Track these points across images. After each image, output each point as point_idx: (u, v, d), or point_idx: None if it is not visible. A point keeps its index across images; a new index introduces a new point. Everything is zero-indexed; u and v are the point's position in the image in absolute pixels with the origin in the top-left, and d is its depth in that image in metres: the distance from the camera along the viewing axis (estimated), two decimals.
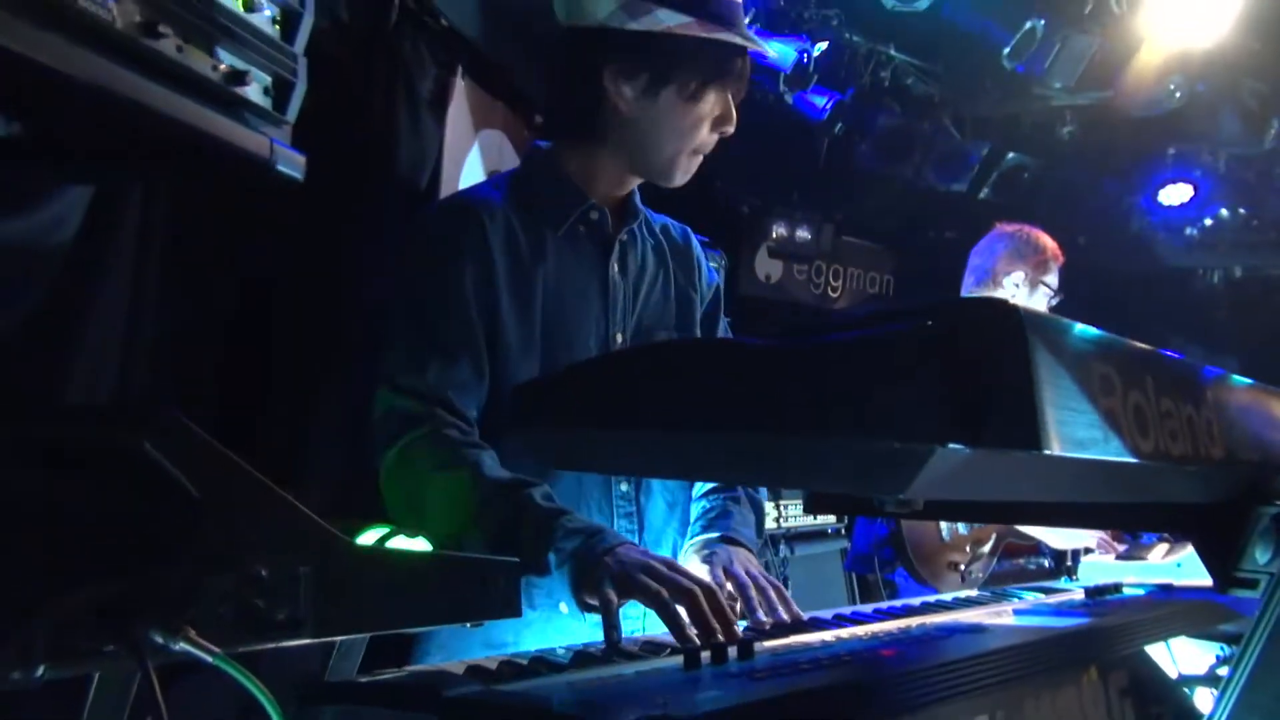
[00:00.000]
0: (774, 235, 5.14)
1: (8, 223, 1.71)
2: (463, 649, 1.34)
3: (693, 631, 1.01)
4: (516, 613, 0.92)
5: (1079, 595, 1.29)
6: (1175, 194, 5.71)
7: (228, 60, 1.40)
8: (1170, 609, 1.07)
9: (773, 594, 1.30)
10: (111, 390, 2.14)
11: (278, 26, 1.50)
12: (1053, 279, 3.52)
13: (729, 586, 1.30)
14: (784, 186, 5.40)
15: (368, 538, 0.96)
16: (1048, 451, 0.44)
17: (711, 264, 3.54)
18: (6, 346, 1.74)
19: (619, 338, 1.60)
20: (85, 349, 2.01)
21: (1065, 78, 3.86)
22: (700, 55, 1.53)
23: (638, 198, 1.74)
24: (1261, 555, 0.81)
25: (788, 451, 0.54)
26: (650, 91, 1.56)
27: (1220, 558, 0.83)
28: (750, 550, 1.48)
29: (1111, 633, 0.93)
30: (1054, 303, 3.54)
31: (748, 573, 1.35)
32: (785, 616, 1.24)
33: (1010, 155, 4.96)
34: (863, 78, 4.62)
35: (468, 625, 0.98)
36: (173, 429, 0.79)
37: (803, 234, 5.27)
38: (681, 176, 1.66)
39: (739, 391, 0.53)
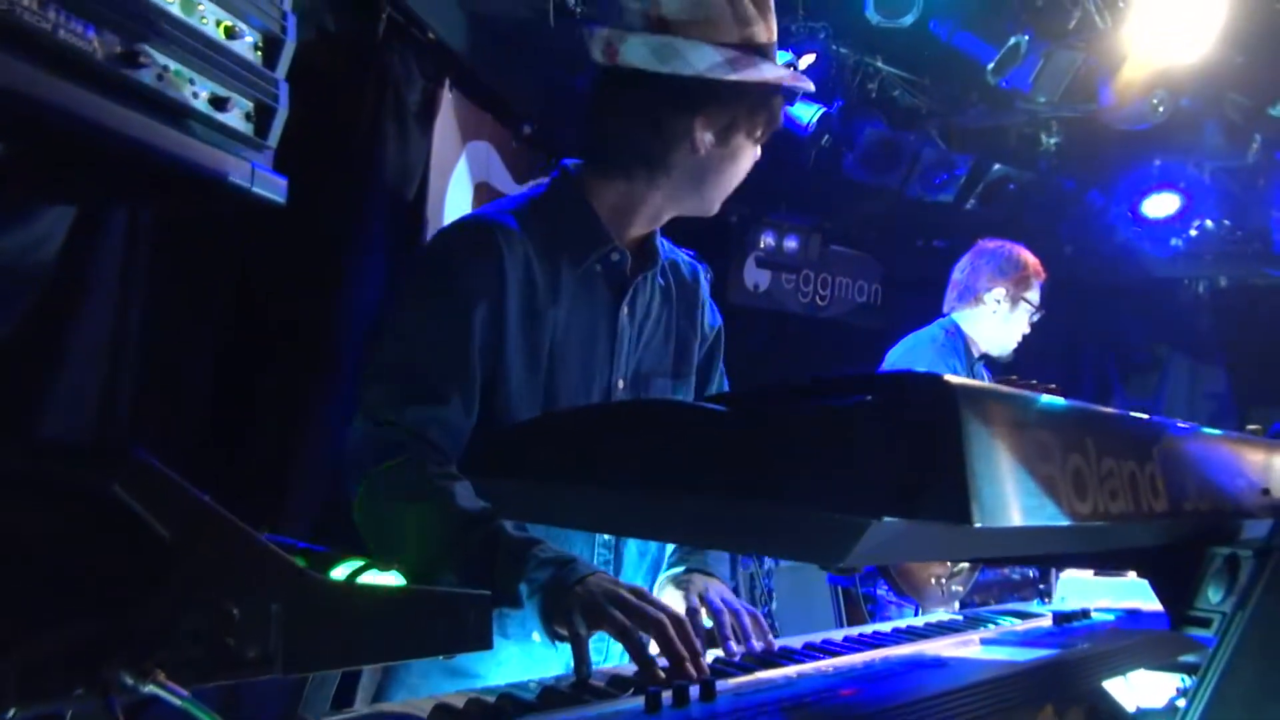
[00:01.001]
0: (761, 245, 5.17)
1: None
2: (436, 677, 1.35)
3: (662, 662, 1.02)
4: (487, 645, 0.93)
5: (1047, 622, 1.31)
6: (1161, 205, 5.75)
7: (209, 87, 1.40)
8: (1133, 640, 1.09)
9: (747, 621, 1.30)
10: (96, 406, 2.15)
11: (259, 52, 1.51)
12: (1034, 295, 3.54)
13: (704, 613, 1.30)
14: (772, 197, 5.43)
15: (340, 572, 0.97)
16: (979, 525, 0.45)
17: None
18: None
19: (620, 384, 1.58)
20: (69, 365, 2.02)
21: (1049, 92, 3.90)
22: (771, 100, 1.57)
23: (659, 238, 1.71)
24: (1214, 595, 0.83)
25: (726, 517, 0.56)
26: (725, 135, 1.56)
27: (1175, 598, 0.85)
28: (724, 583, 1.48)
29: (1071, 668, 0.95)
30: (1035, 318, 3.55)
31: (722, 599, 1.35)
32: (758, 645, 1.24)
33: (996, 167, 4.99)
34: (850, 89, 4.65)
35: (440, 658, 0.99)
36: (141, 471, 0.80)
37: (790, 244, 5.29)
38: (711, 211, 1.69)
39: (682, 455, 0.55)
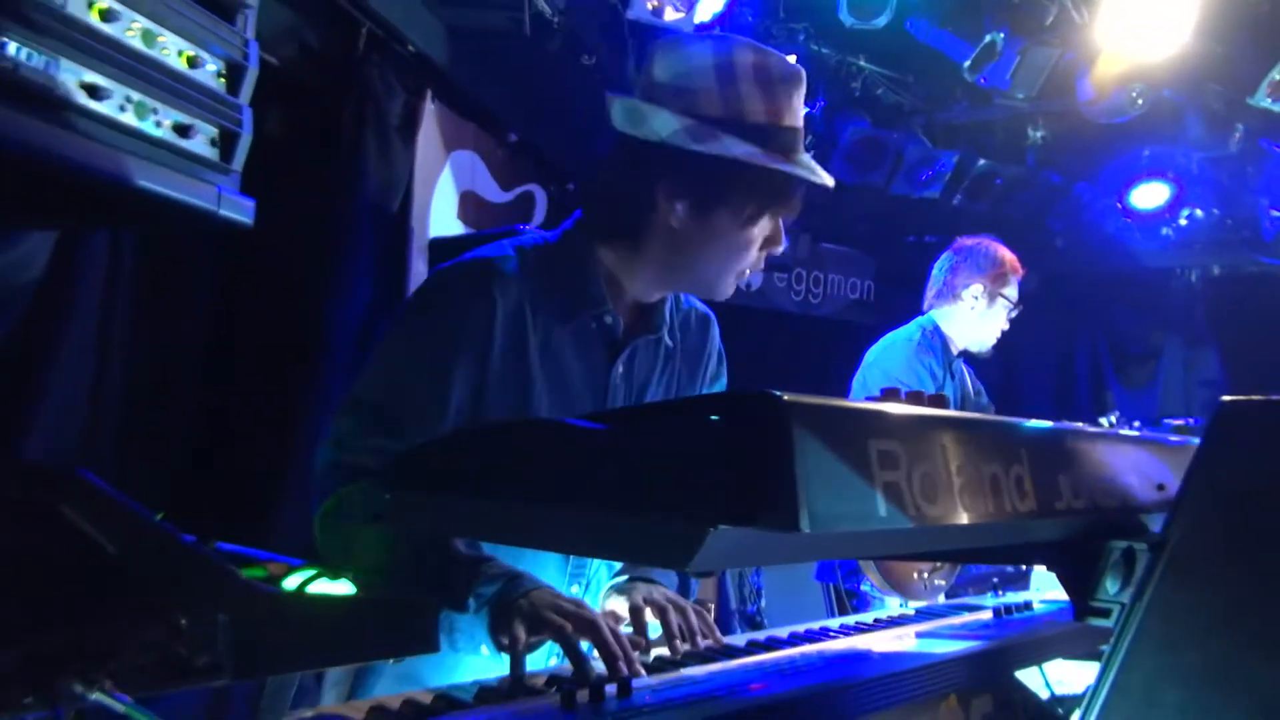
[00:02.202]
0: None
1: None
2: (406, 680, 1.40)
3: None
4: (434, 649, 0.98)
5: (987, 615, 1.35)
6: (1150, 195, 5.77)
7: (172, 116, 1.46)
8: (1057, 631, 1.13)
9: (693, 617, 1.34)
10: (83, 423, 2.20)
11: (223, 80, 1.56)
12: (1011, 291, 3.56)
13: (648, 612, 1.35)
14: None
15: (292, 581, 1.01)
16: (807, 531, 0.49)
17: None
18: None
19: None
20: (55, 383, 2.07)
21: (1027, 88, 3.93)
22: (760, 183, 1.47)
23: (667, 309, 1.66)
24: (1112, 586, 0.87)
25: (596, 526, 0.60)
26: (703, 211, 1.49)
27: (1078, 590, 0.89)
28: (664, 585, 1.51)
29: (986, 659, 0.99)
30: (1013, 314, 3.57)
31: (667, 599, 1.39)
32: (703, 640, 1.29)
33: (981, 162, 5.02)
34: (832, 90, 4.69)
35: (390, 662, 1.03)
36: (88, 492, 0.84)
37: None
38: (725, 293, 1.60)
39: (563, 469, 0.59)
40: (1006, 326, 3.59)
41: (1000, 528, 0.65)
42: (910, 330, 3.51)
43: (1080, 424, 0.82)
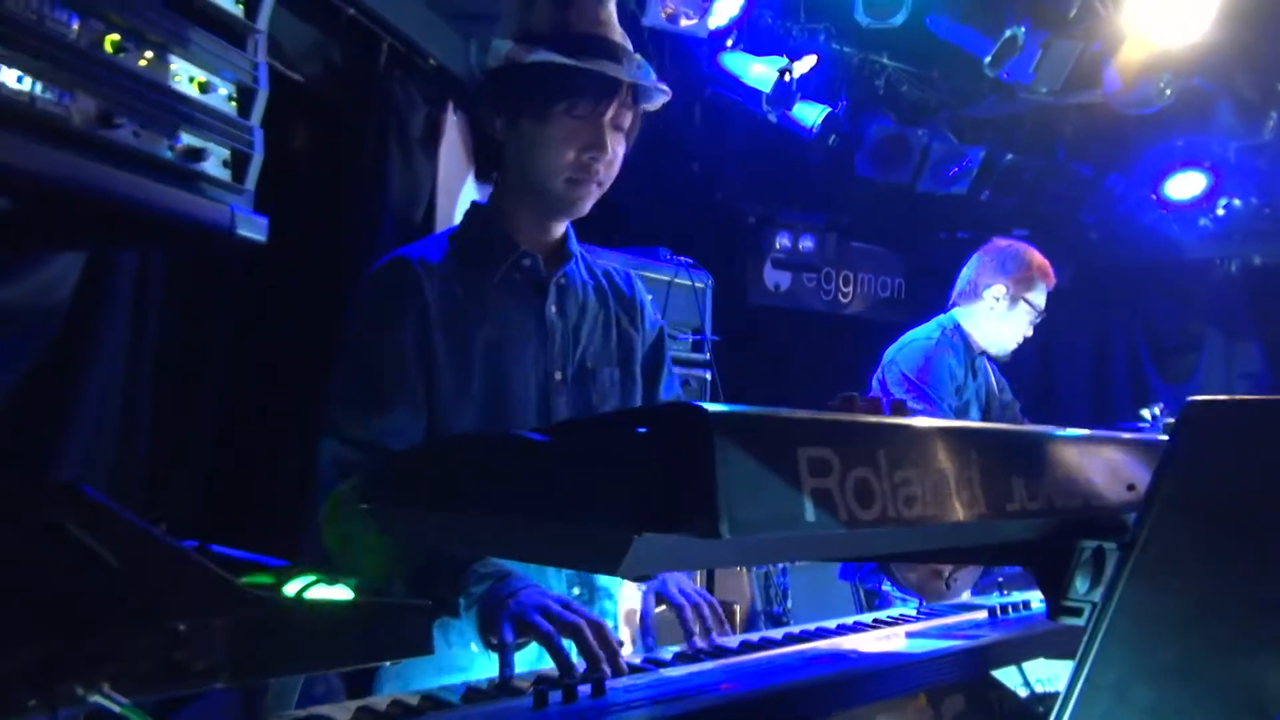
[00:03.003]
0: (777, 246, 5.21)
1: (2, 289, 1.84)
2: (419, 675, 1.44)
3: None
4: (428, 652, 1.01)
5: (983, 615, 1.35)
6: (1187, 185, 5.67)
7: (185, 140, 1.51)
8: (1042, 630, 1.13)
9: (707, 612, 1.39)
10: (116, 440, 2.27)
11: (234, 103, 1.61)
12: (1037, 297, 3.47)
13: (661, 608, 1.39)
14: (786, 197, 5.46)
15: (292, 587, 1.05)
16: (727, 537, 0.52)
17: (697, 285, 3.63)
18: (6, 405, 1.86)
19: (557, 375, 1.67)
20: (87, 402, 2.14)
21: (1051, 82, 3.89)
22: (530, 80, 1.60)
23: (573, 242, 1.80)
24: (1083, 586, 0.88)
25: (537, 533, 0.63)
26: (512, 123, 1.66)
27: (1052, 590, 0.91)
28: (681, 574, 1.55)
29: (964, 658, 1.00)
30: (1036, 321, 3.50)
31: (681, 592, 1.44)
32: (717, 635, 1.33)
33: (1008, 157, 4.98)
34: (856, 88, 4.68)
35: (387, 664, 1.06)
36: (90, 507, 0.89)
37: (806, 243, 5.33)
38: (568, 205, 1.69)
39: (509, 479, 0.62)
40: (1029, 332, 3.52)
41: (947, 530, 0.66)
42: (930, 329, 3.49)
43: (1046, 426, 0.83)
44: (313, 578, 1.10)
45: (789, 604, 3.60)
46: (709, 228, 5.54)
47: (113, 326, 2.22)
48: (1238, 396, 0.83)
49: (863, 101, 4.74)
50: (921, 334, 3.48)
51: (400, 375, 1.57)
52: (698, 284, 3.51)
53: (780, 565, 3.60)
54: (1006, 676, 1.02)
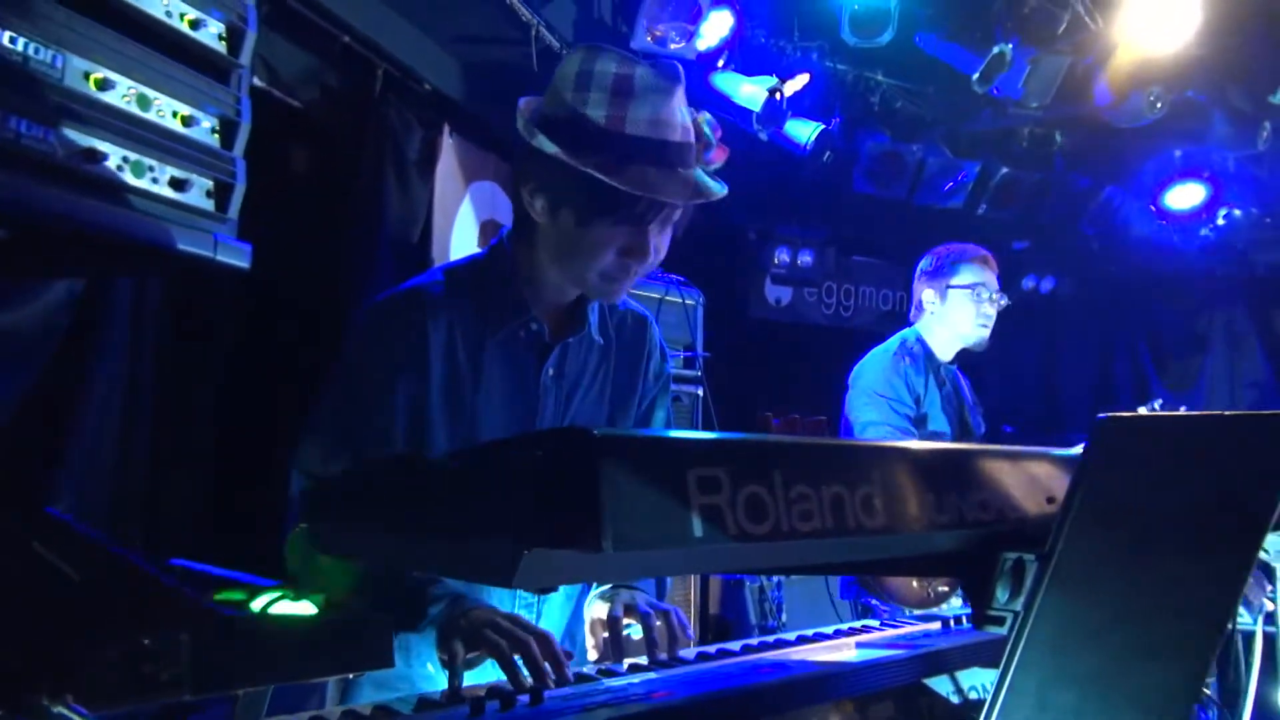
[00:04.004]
0: (776, 261, 5.25)
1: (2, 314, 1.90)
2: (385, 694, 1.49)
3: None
4: (389, 664, 1.05)
5: (937, 625, 1.38)
6: (1186, 196, 5.68)
7: (168, 172, 1.56)
8: (984, 640, 1.16)
9: (675, 624, 1.42)
10: (114, 460, 2.33)
11: (217, 135, 1.67)
12: (962, 278, 3.41)
13: (626, 620, 1.43)
14: (785, 213, 5.51)
15: (258, 603, 1.10)
16: (611, 552, 0.56)
17: (688, 302, 3.67)
18: (5, 428, 1.92)
19: None
20: (83, 428, 2.20)
21: (1040, 97, 3.93)
22: (575, 185, 1.50)
23: (593, 308, 1.73)
24: (1004, 595, 0.92)
25: (446, 549, 0.67)
26: (552, 211, 1.58)
27: (977, 600, 0.94)
28: (644, 592, 1.58)
29: (897, 667, 1.04)
30: (983, 301, 3.39)
31: (650, 605, 1.47)
32: (681, 648, 1.37)
33: (1004, 170, 5.01)
34: (850, 105, 4.72)
35: (349, 676, 1.11)
36: (56, 527, 0.94)
37: (805, 258, 5.37)
38: (598, 294, 1.66)
39: (422, 499, 0.67)
40: (989, 312, 3.42)
41: (847, 544, 0.70)
42: (890, 343, 3.51)
43: (963, 444, 0.87)
44: (278, 593, 1.15)
45: (784, 618, 3.63)
46: (710, 244, 5.60)
47: (110, 351, 2.28)
48: (1146, 413, 0.87)
49: (858, 118, 4.78)
50: (880, 349, 3.52)
51: (379, 420, 1.55)
52: (688, 301, 3.56)
53: (775, 580, 3.64)
54: (939, 684, 1.05)
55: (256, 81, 3.07)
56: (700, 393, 3.61)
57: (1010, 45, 3.71)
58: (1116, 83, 3.99)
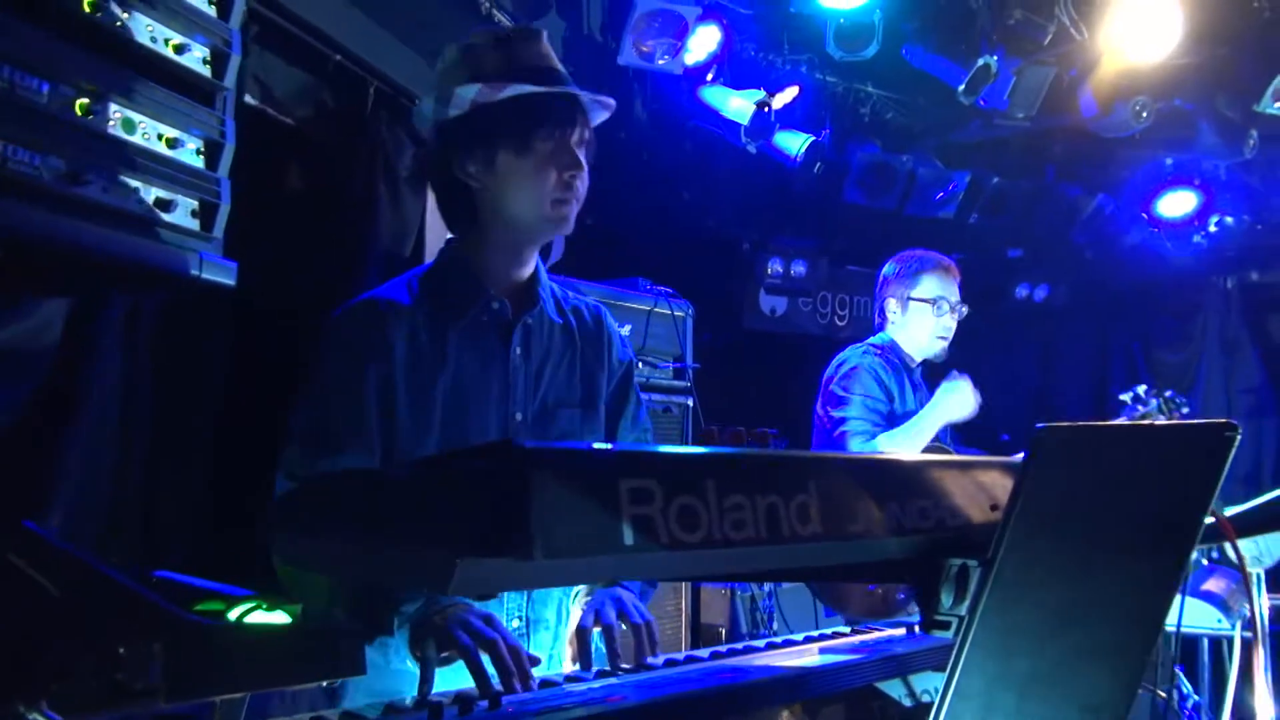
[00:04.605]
0: (769, 272, 5.28)
1: None
2: (369, 693, 1.53)
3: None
4: (361, 672, 1.08)
5: (900, 632, 1.41)
6: (1177, 204, 5.72)
7: (153, 193, 1.61)
8: (937, 644, 1.19)
9: (644, 633, 1.47)
10: (110, 480, 2.36)
11: (202, 156, 1.71)
12: (922, 290, 3.41)
13: (596, 629, 1.47)
14: (778, 223, 5.54)
15: (234, 613, 1.13)
16: (542, 560, 0.59)
17: (677, 313, 3.70)
18: (2, 441, 1.95)
19: (519, 416, 1.74)
20: (78, 444, 2.23)
21: (1026, 108, 3.97)
22: (506, 115, 1.68)
23: (542, 285, 1.85)
24: (950, 600, 0.95)
25: (386, 559, 0.70)
26: (488, 160, 1.72)
27: (925, 605, 0.97)
28: (631, 594, 1.62)
29: (849, 671, 1.06)
30: (943, 313, 3.40)
31: (620, 614, 1.52)
32: (649, 655, 1.40)
33: (994, 180, 5.05)
34: (841, 116, 4.76)
35: (322, 685, 1.14)
36: (32, 541, 0.97)
37: (798, 269, 5.40)
38: (555, 225, 1.77)
39: (376, 511, 0.70)
40: (950, 324, 3.43)
41: (782, 552, 0.73)
42: (863, 346, 3.54)
43: (898, 455, 0.90)
44: (253, 604, 1.18)
45: (774, 627, 3.65)
46: (703, 255, 5.63)
47: (106, 363, 2.31)
48: (1083, 423, 0.90)
49: (849, 129, 4.82)
50: (852, 349, 3.56)
51: (356, 418, 1.63)
52: (677, 313, 3.60)
53: (767, 589, 3.66)
54: (893, 688, 1.08)
55: (250, 100, 3.12)
56: (690, 403, 3.64)
57: (995, 57, 3.75)
58: (1101, 94, 4.03)
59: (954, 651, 0.92)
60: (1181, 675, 4.29)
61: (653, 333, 3.49)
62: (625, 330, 3.43)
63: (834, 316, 6.31)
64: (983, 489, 0.95)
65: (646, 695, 0.94)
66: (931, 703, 1.16)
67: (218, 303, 2.77)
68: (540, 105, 1.69)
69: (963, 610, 0.94)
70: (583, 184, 1.77)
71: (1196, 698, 3.95)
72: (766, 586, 3.64)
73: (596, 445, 0.66)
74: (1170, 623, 2.33)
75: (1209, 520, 1.07)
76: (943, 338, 3.45)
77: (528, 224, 1.77)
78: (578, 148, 1.76)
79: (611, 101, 1.81)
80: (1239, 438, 0.87)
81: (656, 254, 4.99)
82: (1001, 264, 6.50)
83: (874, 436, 3.25)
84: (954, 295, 3.44)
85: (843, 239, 5.78)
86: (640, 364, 3.45)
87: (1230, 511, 1.89)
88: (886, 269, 3.59)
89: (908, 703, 1.07)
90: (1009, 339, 6.71)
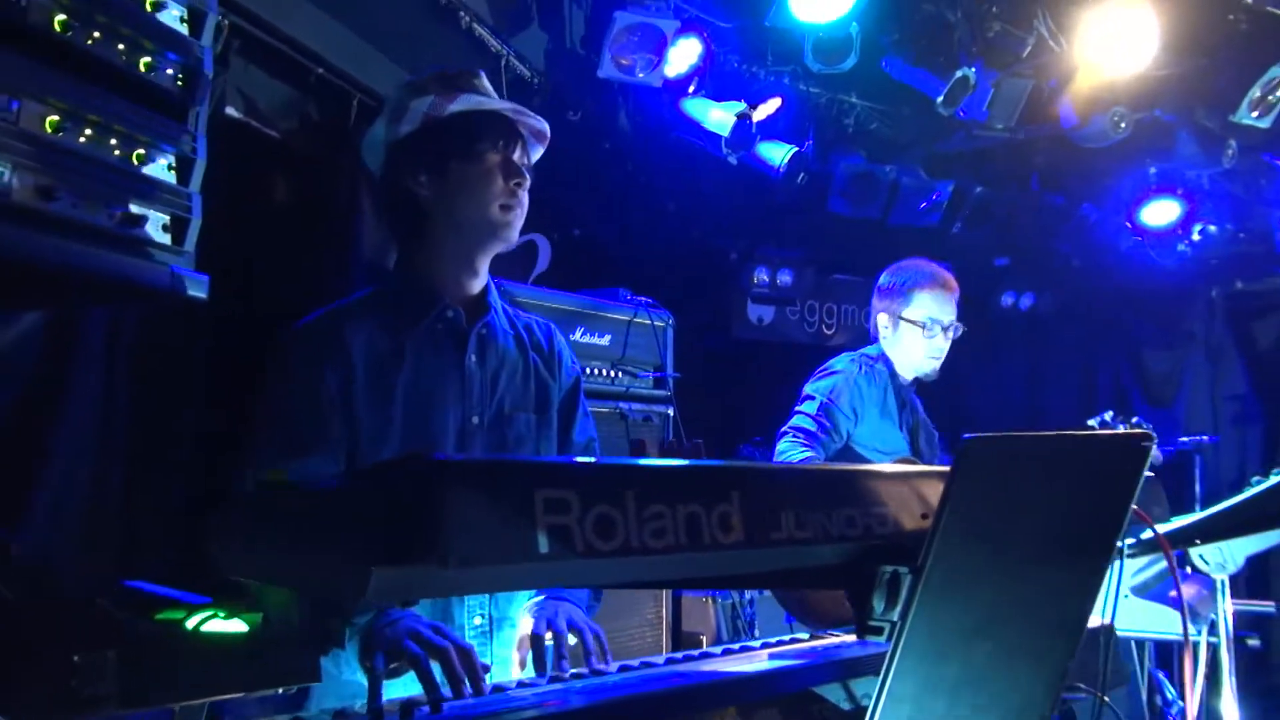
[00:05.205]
0: (755, 281, 5.32)
1: None
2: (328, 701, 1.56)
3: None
4: (315, 679, 1.11)
5: (853, 638, 1.43)
6: (1161, 213, 5.76)
7: (123, 208, 1.63)
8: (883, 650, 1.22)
9: (591, 641, 1.51)
10: (88, 492, 2.38)
11: (173, 172, 1.73)
12: (914, 312, 3.29)
13: (547, 636, 1.50)
14: (762, 233, 5.58)
15: (192, 621, 1.15)
16: (456, 568, 0.61)
17: (657, 323, 3.72)
18: None
19: (475, 419, 1.80)
20: (59, 454, 2.25)
21: (1005, 119, 4.01)
22: (453, 128, 1.82)
23: (492, 295, 1.95)
24: (881, 606, 0.98)
25: (311, 566, 0.73)
26: (439, 170, 1.84)
27: (859, 611, 1.00)
28: (576, 605, 1.65)
29: (788, 676, 1.09)
30: (933, 335, 3.28)
31: (569, 623, 1.55)
32: (600, 663, 1.43)
33: (978, 189, 5.09)
34: (825, 127, 4.80)
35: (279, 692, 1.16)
36: None
37: (784, 278, 5.44)
38: (501, 229, 1.88)
39: (305, 523, 0.73)
40: (942, 345, 3.31)
41: (702, 559, 0.76)
42: (852, 356, 3.47)
43: (840, 463, 0.92)
44: (211, 612, 1.20)
45: (756, 634, 3.67)
46: (691, 266, 5.67)
47: (86, 374, 2.33)
48: (1008, 434, 0.93)
49: (833, 140, 4.86)
50: (845, 356, 3.49)
51: (318, 423, 1.69)
52: (657, 322, 3.62)
53: (748, 597, 3.69)
54: (831, 692, 1.10)
55: (234, 113, 3.15)
56: (671, 413, 3.67)
57: (973, 69, 3.79)
58: (1079, 105, 4.07)
59: (888, 656, 0.95)
60: (1166, 681, 4.32)
61: (633, 342, 3.52)
62: (604, 340, 3.46)
63: (822, 325, 6.35)
64: (916, 497, 0.98)
65: (586, 700, 0.96)
66: (866, 707, 1.18)
67: (199, 313, 2.80)
68: (485, 119, 1.84)
69: (895, 616, 0.97)
70: (526, 193, 1.89)
71: (1181, 704, 3.97)
72: (748, 594, 3.66)
73: (515, 458, 0.69)
74: (1137, 627, 2.36)
75: (1140, 527, 1.09)
76: (935, 358, 3.33)
77: (477, 228, 1.86)
78: (522, 159, 1.90)
79: (544, 127, 1.95)
80: (1154, 447, 0.90)
81: (644, 265, 5.03)
82: (987, 272, 6.54)
83: (815, 441, 3.18)
84: (948, 316, 3.31)
85: (828, 248, 5.82)
86: (620, 374, 3.49)
87: (1190, 519, 1.92)
88: (882, 279, 3.49)
89: (846, 706, 1.09)
90: (995, 347, 6.75)
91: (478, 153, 1.83)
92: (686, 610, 3.63)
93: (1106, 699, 1.24)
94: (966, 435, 0.93)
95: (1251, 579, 5.83)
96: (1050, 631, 0.93)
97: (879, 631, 0.98)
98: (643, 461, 0.77)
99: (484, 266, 1.93)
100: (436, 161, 1.85)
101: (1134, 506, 1.10)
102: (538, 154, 1.97)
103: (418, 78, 1.93)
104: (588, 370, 3.41)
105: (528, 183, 1.88)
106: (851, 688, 1.09)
